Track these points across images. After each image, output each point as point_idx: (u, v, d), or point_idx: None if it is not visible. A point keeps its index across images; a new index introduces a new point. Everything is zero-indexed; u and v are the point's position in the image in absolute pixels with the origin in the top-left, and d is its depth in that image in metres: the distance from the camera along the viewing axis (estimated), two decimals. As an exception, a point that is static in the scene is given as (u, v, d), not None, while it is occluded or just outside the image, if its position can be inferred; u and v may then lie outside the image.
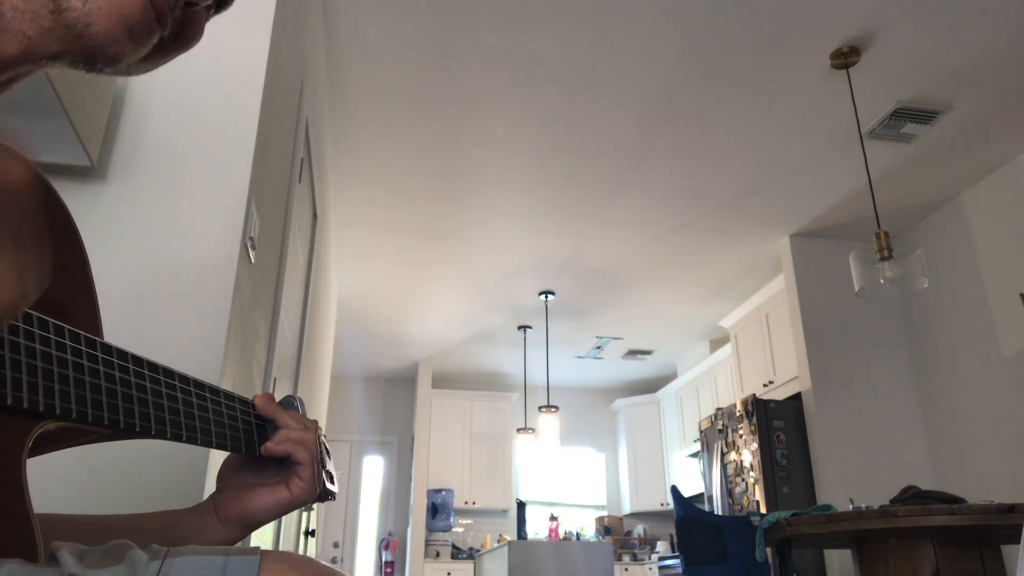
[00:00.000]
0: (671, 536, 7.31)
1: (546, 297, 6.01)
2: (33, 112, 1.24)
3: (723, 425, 5.16)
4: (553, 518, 7.04)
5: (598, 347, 7.20)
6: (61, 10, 0.44)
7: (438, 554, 7.24)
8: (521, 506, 6.36)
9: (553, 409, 6.37)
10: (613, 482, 8.27)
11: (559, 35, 3.23)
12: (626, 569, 7.00)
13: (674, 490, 3.80)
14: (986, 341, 4.24)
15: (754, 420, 4.77)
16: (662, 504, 7.49)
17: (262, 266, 1.88)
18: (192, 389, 0.64)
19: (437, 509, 7.38)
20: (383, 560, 7.34)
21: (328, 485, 0.79)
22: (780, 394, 5.15)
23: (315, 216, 3.49)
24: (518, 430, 6.92)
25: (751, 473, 4.73)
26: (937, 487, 4.45)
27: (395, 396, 8.21)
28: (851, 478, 4.49)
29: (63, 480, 1.25)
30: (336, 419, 7.80)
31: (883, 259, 3.11)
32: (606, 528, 7.66)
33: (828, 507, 3.13)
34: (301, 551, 3.58)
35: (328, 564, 0.55)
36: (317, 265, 3.68)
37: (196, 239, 1.51)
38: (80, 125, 1.33)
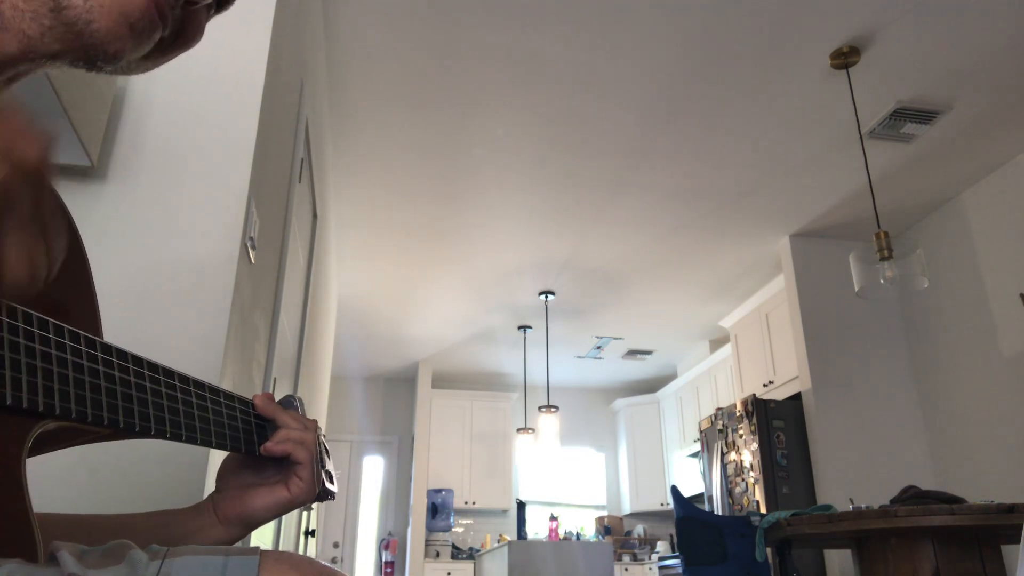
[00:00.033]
0: (671, 536, 7.31)
1: (546, 297, 6.01)
2: (33, 112, 1.24)
3: (723, 425, 5.16)
4: (553, 518, 7.04)
5: (598, 347, 7.20)
6: (62, 8, 0.44)
7: (438, 554, 7.24)
8: (521, 506, 6.36)
9: (553, 409, 6.37)
10: (613, 482, 8.27)
11: (559, 35, 3.23)
12: (626, 569, 7.00)
13: (674, 490, 3.80)
14: (986, 341, 4.24)
15: (754, 420, 4.77)
16: (662, 504, 7.49)
17: (262, 266, 1.88)
18: (192, 389, 0.64)
19: (437, 509, 7.38)
20: (383, 560, 7.34)
21: (327, 485, 0.79)
22: (780, 394, 5.15)
23: (315, 216, 3.49)
24: (518, 430, 6.92)
25: (751, 473, 4.73)
26: (937, 487, 4.45)
27: (395, 396, 8.21)
28: (851, 478, 4.49)
29: (63, 480, 1.25)
30: (336, 419, 7.80)
31: (883, 259, 3.11)
32: (606, 528, 7.66)
33: (828, 507, 3.13)
34: (301, 551, 3.57)
35: (328, 564, 0.55)
36: (317, 265, 3.68)
37: (196, 239, 1.51)
38: (80, 125, 1.33)
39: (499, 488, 7.67)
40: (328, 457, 0.81)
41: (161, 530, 0.69)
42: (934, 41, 3.26)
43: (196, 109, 1.62)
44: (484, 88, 3.58)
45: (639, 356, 7.46)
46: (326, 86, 3.52)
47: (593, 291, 5.96)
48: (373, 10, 3.12)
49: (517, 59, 3.38)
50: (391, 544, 7.38)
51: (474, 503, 7.57)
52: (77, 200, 1.47)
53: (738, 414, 4.97)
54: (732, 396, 6.09)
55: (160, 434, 0.59)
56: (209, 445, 0.64)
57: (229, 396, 0.69)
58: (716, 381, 6.61)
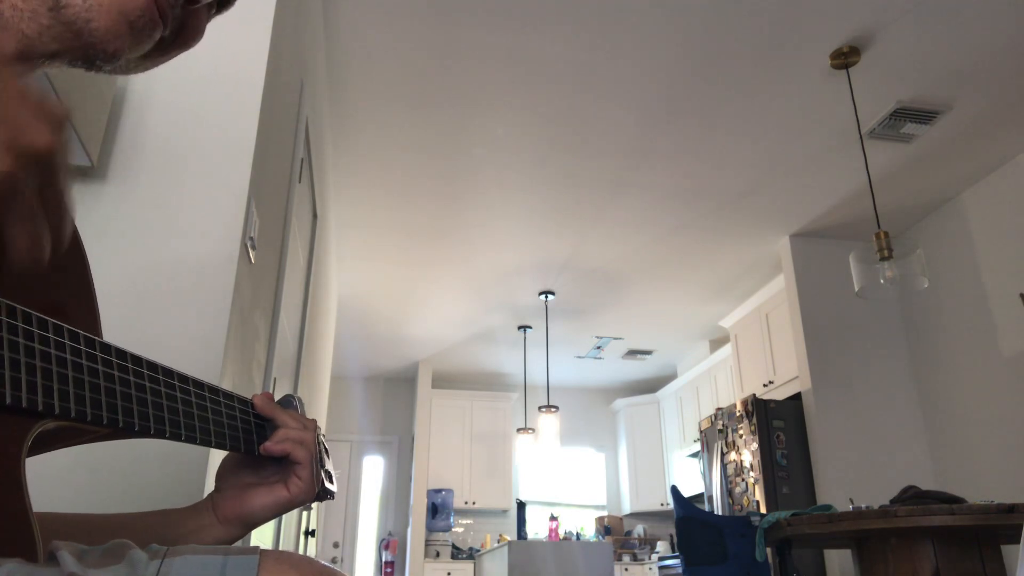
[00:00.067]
0: (671, 536, 7.31)
1: (546, 297, 6.01)
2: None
3: (723, 425, 5.16)
4: (553, 518, 7.04)
5: (598, 347, 7.20)
6: (60, 7, 0.44)
7: (438, 554, 7.24)
8: (521, 506, 6.36)
9: (553, 409, 6.37)
10: (613, 482, 8.27)
11: (559, 35, 3.23)
12: (626, 569, 7.00)
13: (674, 490, 3.80)
14: (986, 341, 4.24)
15: (754, 420, 4.77)
16: (662, 504, 7.49)
17: (262, 266, 1.88)
18: (192, 389, 0.64)
19: (437, 509, 7.38)
20: (383, 560, 7.34)
21: (327, 484, 0.79)
22: (780, 394, 5.15)
23: (315, 216, 3.49)
24: (518, 430, 6.92)
25: (751, 473, 4.73)
26: (937, 487, 4.45)
27: (395, 396, 8.21)
28: (851, 478, 4.49)
29: (62, 480, 1.25)
30: (336, 419, 7.80)
31: (883, 259, 3.11)
32: (606, 528, 7.66)
33: (828, 507, 3.13)
34: (301, 551, 3.57)
35: (328, 564, 0.55)
36: (317, 265, 3.68)
37: (196, 239, 1.51)
38: (80, 125, 1.33)
39: (499, 488, 7.67)
40: (327, 457, 0.81)
41: (161, 530, 0.69)
42: (934, 41, 3.26)
43: (196, 109, 1.62)
44: (484, 88, 3.58)
45: (639, 356, 7.46)
46: (326, 86, 3.52)
47: (593, 291, 5.96)
48: (373, 10, 3.12)
49: (517, 59, 3.38)
50: (391, 544, 7.38)
51: (474, 503, 7.57)
52: (77, 200, 1.47)
53: (738, 414, 4.97)
54: (732, 396, 6.09)
55: (160, 434, 0.59)
56: (209, 445, 0.64)
57: (229, 396, 0.69)
58: (716, 381, 6.61)
